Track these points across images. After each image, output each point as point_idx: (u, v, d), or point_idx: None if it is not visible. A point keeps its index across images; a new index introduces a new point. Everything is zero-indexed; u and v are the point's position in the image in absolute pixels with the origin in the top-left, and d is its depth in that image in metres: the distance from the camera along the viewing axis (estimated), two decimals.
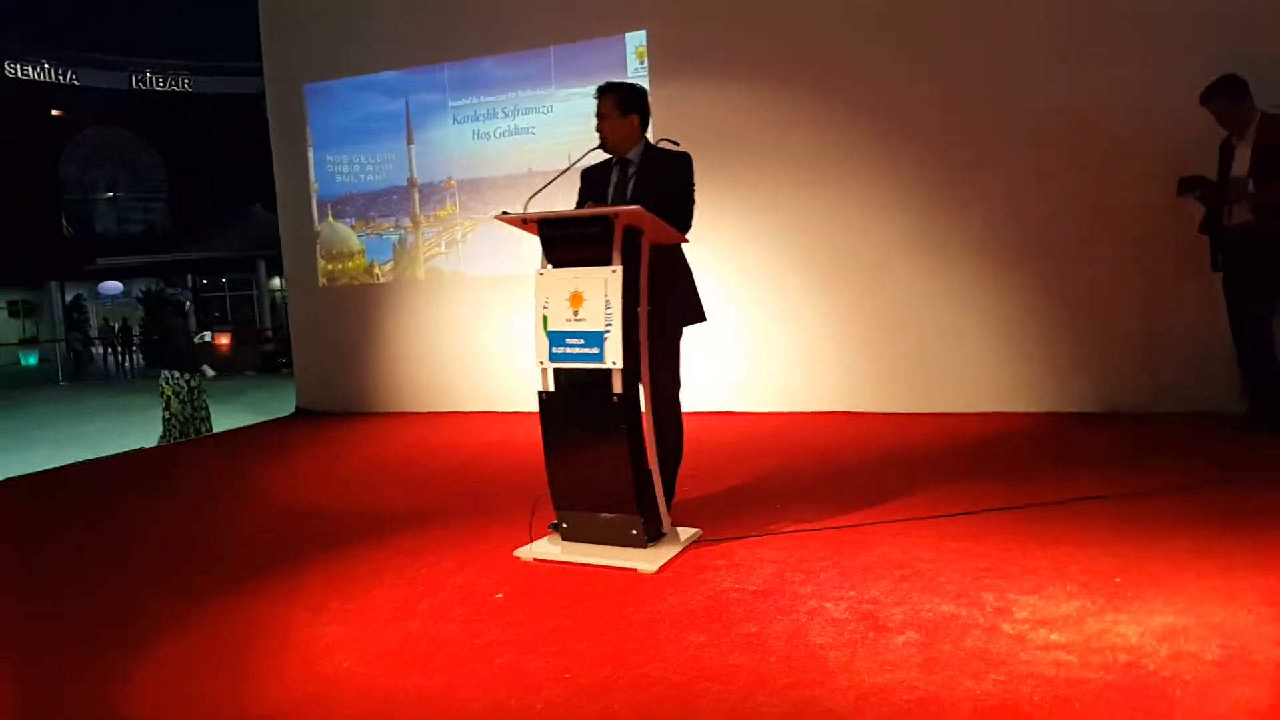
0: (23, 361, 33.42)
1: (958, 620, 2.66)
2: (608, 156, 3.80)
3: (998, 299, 5.89)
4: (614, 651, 2.61)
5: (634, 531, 3.39)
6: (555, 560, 3.41)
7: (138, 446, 7.38)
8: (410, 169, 7.44)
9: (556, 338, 3.37)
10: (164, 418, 7.60)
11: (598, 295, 3.29)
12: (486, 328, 7.06)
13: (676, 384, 3.79)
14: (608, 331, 3.27)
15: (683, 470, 4.33)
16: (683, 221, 3.60)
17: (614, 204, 3.68)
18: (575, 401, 3.41)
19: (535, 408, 3.46)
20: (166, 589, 3.44)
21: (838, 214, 6.20)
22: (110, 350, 30.54)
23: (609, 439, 3.32)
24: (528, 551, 3.50)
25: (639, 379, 3.42)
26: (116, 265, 37.04)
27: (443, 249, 7.20)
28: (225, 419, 8.60)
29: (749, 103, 6.33)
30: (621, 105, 3.73)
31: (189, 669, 2.70)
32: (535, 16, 6.89)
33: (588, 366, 3.32)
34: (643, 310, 3.41)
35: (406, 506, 4.51)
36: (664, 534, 3.52)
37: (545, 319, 3.39)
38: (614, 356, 3.26)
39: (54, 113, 43.61)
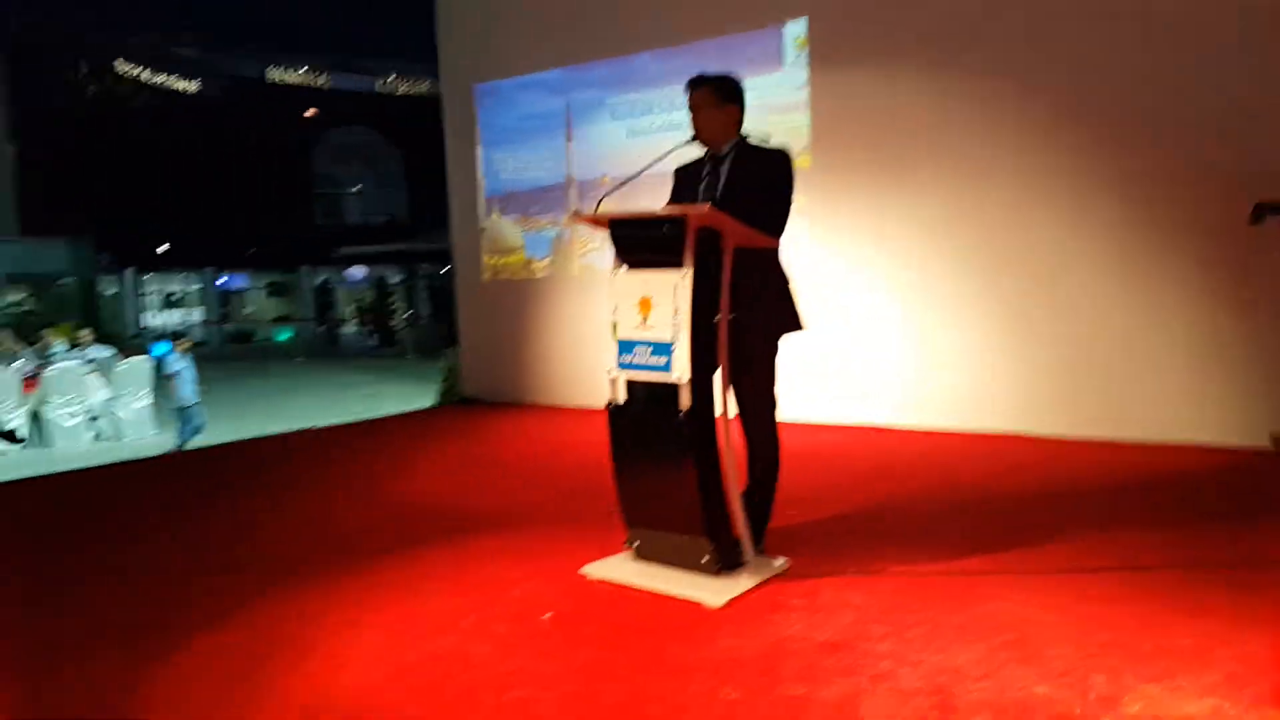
0: (276, 337, 36.47)
1: (1048, 707, 2.22)
2: (701, 153, 3.51)
3: (1203, 308, 5.09)
4: (633, 698, 2.36)
5: (704, 559, 3.10)
6: (620, 583, 3.18)
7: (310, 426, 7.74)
8: (568, 166, 7.39)
9: (625, 346, 3.14)
10: None
11: (666, 302, 3.02)
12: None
13: (770, 402, 3.44)
14: (675, 341, 3.00)
15: (799, 492, 4.00)
16: (774, 224, 3.26)
17: (701, 203, 3.40)
18: (643, 415, 3.16)
19: None
20: (239, 576, 3.47)
21: (1010, 210, 5.59)
22: (341, 328, 32.88)
23: (676, 457, 3.06)
24: (596, 569, 3.29)
25: (715, 394, 3.12)
26: (357, 253, 39.86)
27: (597, 245, 7.10)
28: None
29: (914, 92, 5.82)
30: (720, 94, 3.44)
31: (215, 665, 2.67)
32: (693, 9, 6.65)
33: (655, 378, 3.07)
34: (722, 320, 3.11)
35: (507, 506, 4.42)
36: (744, 563, 3.21)
37: (615, 325, 3.16)
38: (681, 369, 2.99)
39: (309, 113, 47.65)
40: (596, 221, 3.22)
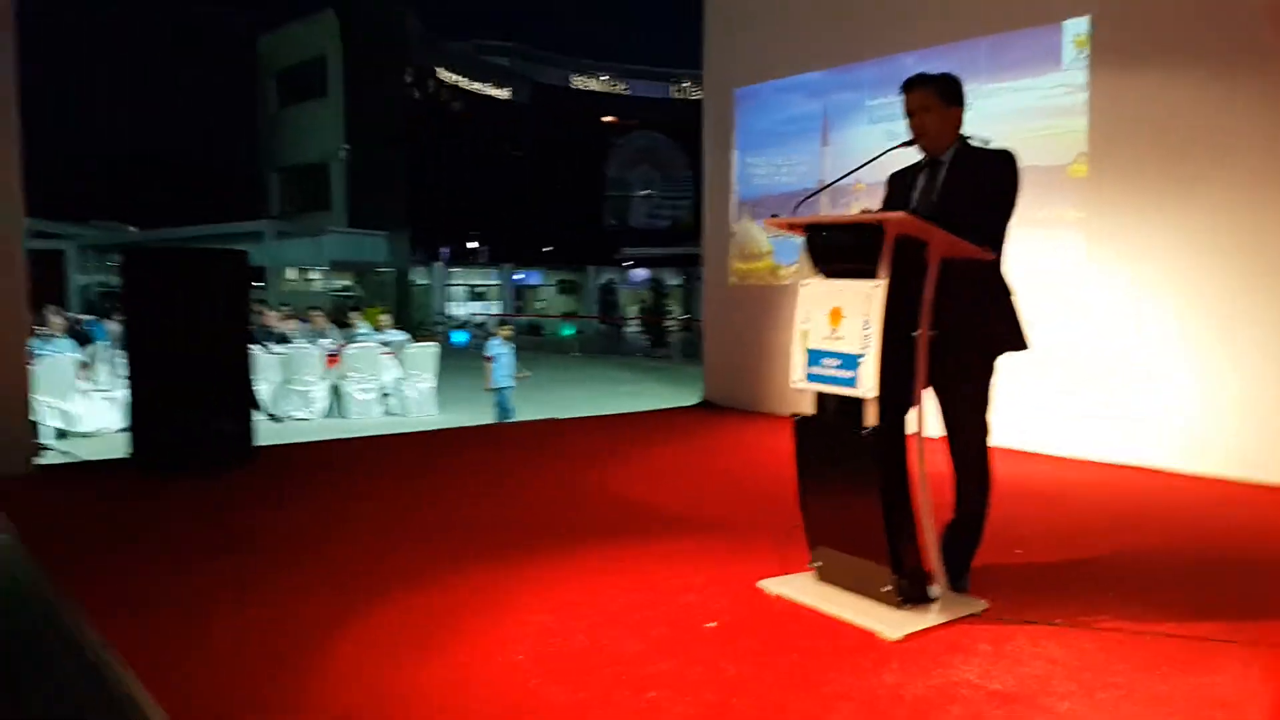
0: (560, 332, 38.53)
1: None
2: (917, 159, 3.31)
3: None
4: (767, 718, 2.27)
5: (885, 588, 2.93)
6: (796, 601, 3.07)
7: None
8: (822, 171, 7.23)
9: (814, 356, 3.02)
10: None
11: (857, 313, 2.87)
12: None
13: (980, 427, 3.18)
14: (863, 354, 2.85)
15: (1032, 530, 3.73)
16: (990, 234, 3.01)
17: (913, 210, 3.21)
18: (830, 430, 3.03)
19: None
20: (442, 543, 3.68)
21: None
22: (624, 327, 34.10)
23: (860, 478, 2.91)
24: (774, 584, 3.19)
25: (907, 413, 2.94)
26: (640, 254, 41.29)
27: None
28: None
29: (1208, 96, 5.17)
30: (945, 95, 3.24)
31: (406, 621, 2.85)
32: (966, 6, 6.29)
33: (841, 392, 2.93)
34: (922, 335, 2.92)
35: (708, 511, 4.41)
36: (934, 598, 3.00)
37: (805, 334, 3.05)
38: (867, 383, 2.83)
39: (606, 119, 49.96)
40: (793, 226, 3.13)
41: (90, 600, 3.02)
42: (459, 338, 31.77)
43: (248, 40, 37.99)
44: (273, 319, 12.71)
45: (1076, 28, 5.73)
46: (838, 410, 3.00)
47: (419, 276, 35.98)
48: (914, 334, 2.92)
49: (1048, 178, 5.84)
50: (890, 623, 2.84)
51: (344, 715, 2.29)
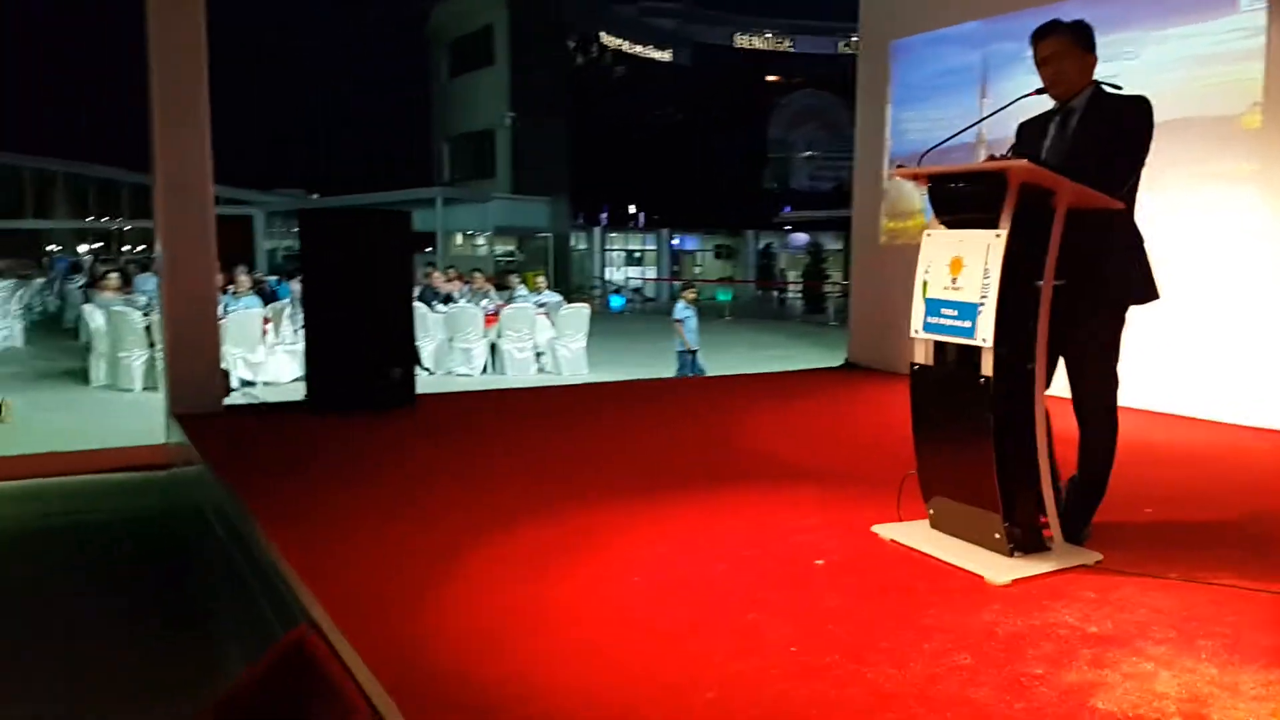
0: (717, 297, 38.61)
1: None
2: (1047, 108, 3.27)
3: None
4: (860, 644, 2.39)
5: (996, 535, 2.98)
6: (908, 545, 3.15)
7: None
8: (979, 125, 7.04)
9: (932, 306, 3.07)
10: None
11: (977, 262, 2.90)
12: None
13: (1107, 379, 3.16)
14: (982, 304, 2.88)
15: (1166, 490, 3.70)
16: (1118, 180, 2.96)
17: (1050, 160, 3.19)
18: (946, 379, 3.08)
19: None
20: (577, 484, 3.93)
21: None
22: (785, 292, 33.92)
23: (975, 426, 2.95)
24: (888, 530, 3.28)
25: (1028, 363, 2.95)
26: (799, 218, 40.76)
27: None
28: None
29: None
30: (1081, 42, 3.18)
31: (520, 554, 3.11)
32: None
33: (960, 341, 2.97)
34: (1046, 285, 2.93)
35: (834, 464, 4.49)
36: (1048, 548, 3.03)
37: (925, 284, 3.10)
38: (985, 333, 2.87)
39: (770, 78, 49.23)
40: (916, 176, 3.18)
41: (265, 516, 3.43)
42: (615, 302, 32.44)
43: (422, 12, 39.54)
44: (439, 280, 13.39)
45: None
46: (956, 360, 3.05)
47: (578, 241, 36.80)
48: (1038, 283, 2.94)
49: (1218, 129, 5.56)
50: (998, 568, 2.89)
51: (473, 617, 2.55)
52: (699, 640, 2.42)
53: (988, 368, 2.89)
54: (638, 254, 42.64)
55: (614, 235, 40.80)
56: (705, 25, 46.17)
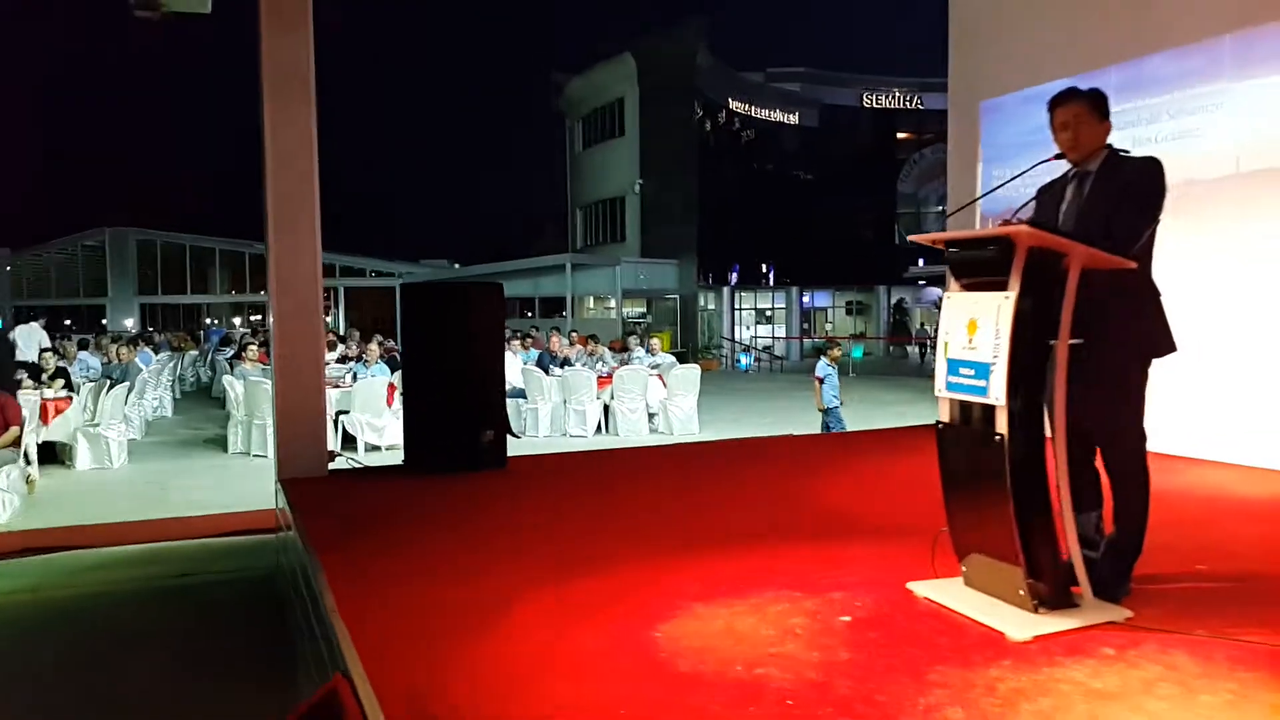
0: (852, 354, 38.13)
1: None
2: (1064, 171, 3.34)
3: None
4: (851, 700, 2.47)
5: (1020, 591, 2.99)
6: (939, 602, 3.19)
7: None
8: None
9: (953, 366, 3.14)
10: None
11: (990, 323, 2.98)
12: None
13: (1131, 434, 3.17)
14: (994, 363, 2.94)
15: (1230, 546, 3.62)
16: (1127, 240, 2.99)
17: (1067, 223, 3.27)
18: (967, 437, 3.13)
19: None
20: (642, 543, 4.10)
21: None
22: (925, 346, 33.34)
23: (995, 482, 2.99)
24: (922, 587, 3.32)
25: (1041, 420, 2.99)
26: (927, 273, 40.00)
27: None
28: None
29: None
30: (1096, 109, 3.27)
31: (575, 602, 3.30)
32: (1206, 2, 5.91)
33: (977, 400, 3.04)
34: (1061, 344, 2.98)
35: (903, 522, 4.49)
36: (1075, 604, 3.03)
37: (946, 345, 3.18)
38: (998, 391, 2.93)
39: (899, 135, 48.87)
40: (934, 242, 3.27)
41: (331, 570, 3.74)
42: (745, 360, 32.53)
43: (557, 87, 41.33)
44: (556, 344, 13.87)
45: None
46: (976, 418, 3.11)
47: (707, 301, 37.15)
48: (1051, 342, 2.99)
49: None
50: (1020, 624, 2.91)
51: (499, 666, 2.75)
52: (700, 692, 2.54)
53: (1002, 425, 2.94)
54: (768, 312, 42.65)
55: (744, 294, 40.98)
56: (832, 87, 46.36)
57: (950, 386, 3.16)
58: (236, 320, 41.14)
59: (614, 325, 29.68)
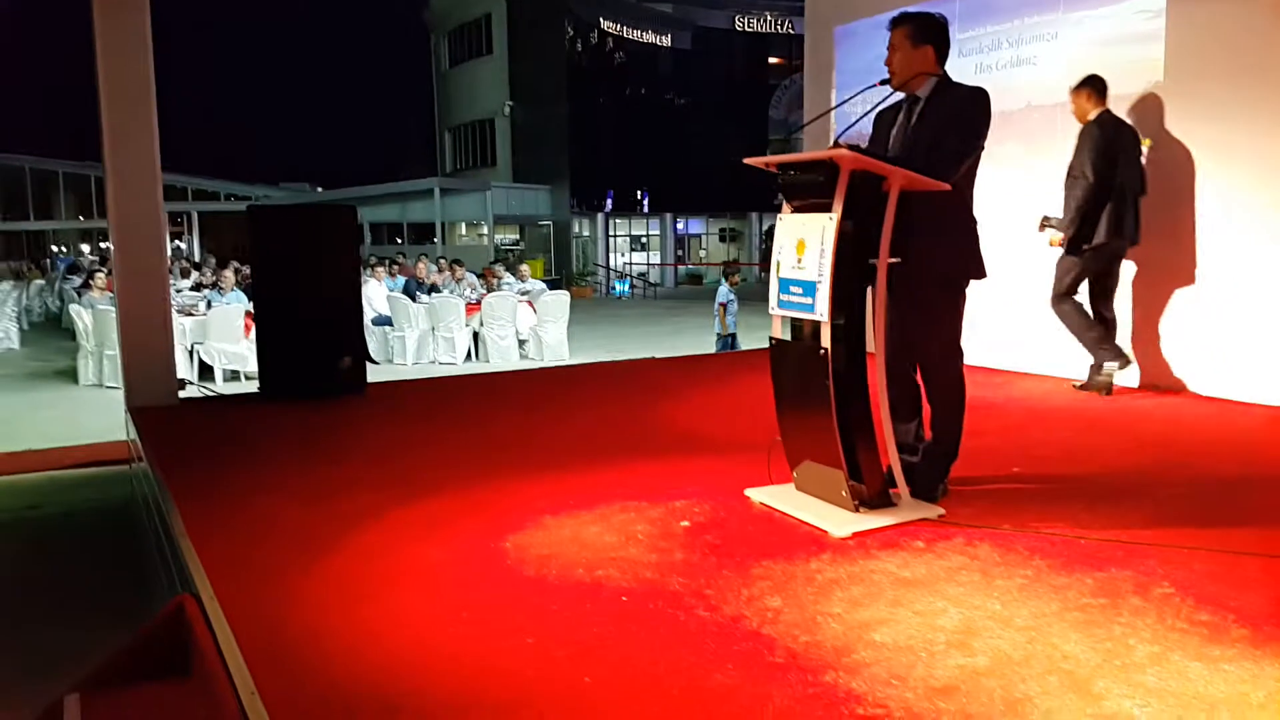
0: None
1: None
2: (901, 96, 3.51)
3: None
4: (687, 592, 2.64)
5: (842, 492, 3.23)
6: (772, 506, 3.40)
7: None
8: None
9: (784, 285, 3.31)
10: None
11: (816, 243, 3.14)
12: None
13: (946, 350, 3.42)
14: (820, 281, 3.12)
15: (1050, 451, 4.09)
16: (945, 165, 3.19)
17: (895, 147, 3.45)
18: (796, 352, 3.32)
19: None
20: (495, 459, 4.19)
21: None
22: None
23: (819, 393, 3.19)
24: (757, 493, 3.53)
25: (863, 334, 3.19)
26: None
27: None
28: None
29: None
30: (914, 35, 3.43)
31: (414, 520, 3.38)
32: None
33: (804, 316, 3.22)
34: (881, 262, 3.17)
35: (744, 436, 4.70)
36: (893, 504, 3.28)
37: (778, 264, 3.34)
38: (823, 308, 3.11)
39: (771, 60, 49.15)
40: (766, 165, 3.40)
41: (180, 495, 3.71)
42: (620, 287, 32.68)
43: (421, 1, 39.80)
44: (423, 272, 13.67)
45: None
46: (805, 334, 3.30)
47: (582, 228, 37.01)
48: (872, 261, 3.18)
49: (1125, 106, 5.75)
50: (841, 523, 3.15)
51: (345, 583, 2.82)
52: (541, 595, 2.68)
53: (826, 340, 3.13)
54: (642, 239, 42.81)
55: (619, 221, 40.95)
56: (705, 9, 46.07)
57: (781, 304, 3.33)
58: (85, 247, 38.80)
59: (486, 252, 29.31)
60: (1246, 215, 5.22)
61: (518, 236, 35.33)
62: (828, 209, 3.14)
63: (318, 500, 3.66)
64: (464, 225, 35.20)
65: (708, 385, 6.52)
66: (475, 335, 12.32)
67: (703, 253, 44.20)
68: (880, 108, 3.64)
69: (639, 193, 40.77)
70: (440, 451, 4.54)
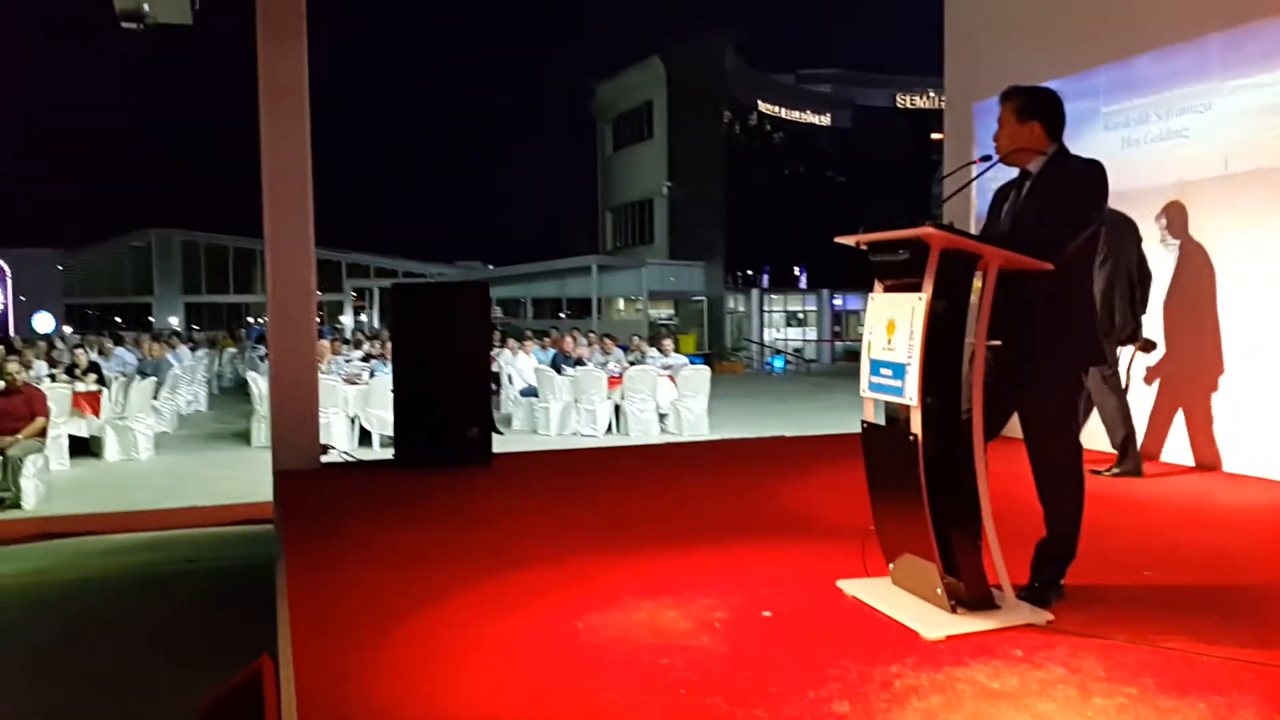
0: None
1: None
2: (1017, 172, 3.38)
3: None
4: (743, 692, 2.52)
5: (938, 590, 3.03)
6: (865, 600, 3.23)
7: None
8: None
9: (874, 367, 3.18)
10: None
11: (905, 324, 3.02)
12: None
13: (1063, 445, 3.19)
14: (909, 364, 2.99)
15: (1187, 553, 3.86)
16: (1051, 244, 3.01)
17: (1005, 225, 3.31)
18: (889, 437, 3.18)
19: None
20: (598, 541, 4.17)
21: None
22: None
23: (910, 482, 3.03)
24: (850, 585, 3.36)
25: (958, 420, 3.02)
26: None
27: None
28: None
29: None
30: (1020, 110, 3.31)
31: (502, 599, 3.39)
32: (1195, 3, 5.86)
33: (895, 400, 3.08)
34: (979, 345, 3.01)
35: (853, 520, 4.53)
36: (996, 606, 3.06)
37: (869, 345, 3.23)
38: (912, 392, 2.97)
39: (935, 136, 48.48)
40: (858, 243, 3.32)
41: (293, 557, 3.87)
42: (776, 363, 32.42)
43: (589, 91, 41.58)
44: (570, 345, 13.99)
45: None
46: (896, 419, 3.15)
47: (737, 304, 37.11)
48: (969, 341, 3.03)
49: None
50: (934, 623, 2.95)
51: (412, 650, 2.85)
52: (599, 677, 2.62)
53: (916, 426, 2.98)
54: (799, 314, 42.48)
55: (774, 296, 40.86)
56: (865, 89, 46.10)
57: (873, 387, 3.20)
58: None
59: (640, 326, 29.76)
60: None
61: (672, 311, 35.75)
62: (918, 289, 3.02)
63: (414, 567, 3.74)
64: (622, 301, 35.96)
65: (833, 466, 6.31)
66: (617, 408, 12.45)
67: (861, 328, 43.41)
68: (1000, 184, 3.49)
69: (796, 269, 40.62)
70: (544, 525, 4.56)
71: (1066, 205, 3.11)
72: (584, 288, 33.60)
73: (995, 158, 3.38)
